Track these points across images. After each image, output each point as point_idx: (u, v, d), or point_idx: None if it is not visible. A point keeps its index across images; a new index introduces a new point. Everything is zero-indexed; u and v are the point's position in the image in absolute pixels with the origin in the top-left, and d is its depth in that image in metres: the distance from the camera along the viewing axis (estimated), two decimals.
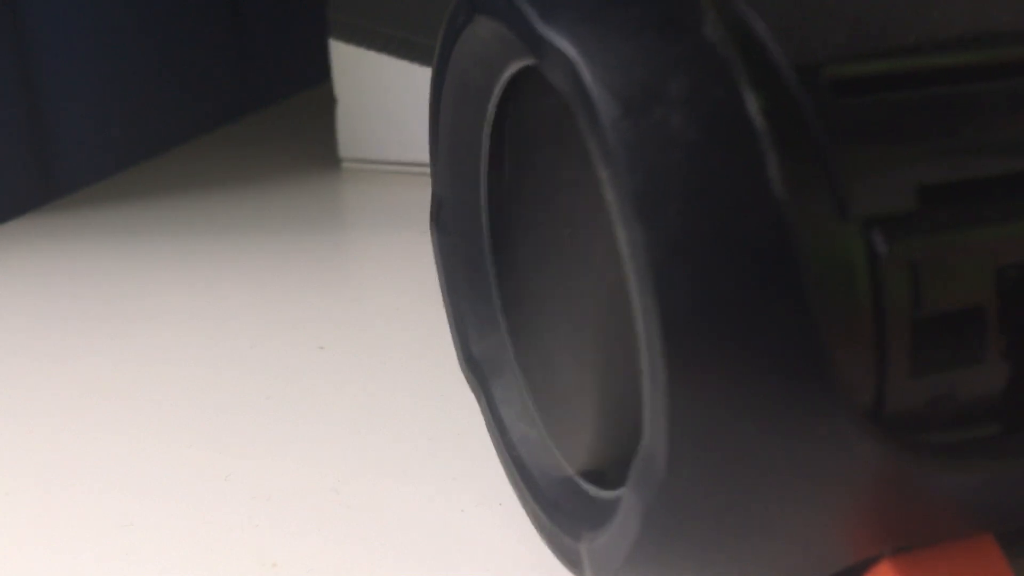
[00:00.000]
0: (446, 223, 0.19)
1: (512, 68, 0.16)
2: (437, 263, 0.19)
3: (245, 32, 0.48)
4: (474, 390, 0.19)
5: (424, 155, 0.37)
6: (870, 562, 0.14)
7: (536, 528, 0.17)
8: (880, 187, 0.12)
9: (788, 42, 0.12)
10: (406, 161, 0.39)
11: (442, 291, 0.19)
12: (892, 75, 0.13)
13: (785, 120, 0.12)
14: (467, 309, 0.19)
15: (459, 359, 0.19)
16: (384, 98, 0.38)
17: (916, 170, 0.12)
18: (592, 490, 0.16)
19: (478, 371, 0.19)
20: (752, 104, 0.12)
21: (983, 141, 0.12)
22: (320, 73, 0.42)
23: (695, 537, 0.13)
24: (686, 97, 0.12)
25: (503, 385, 0.18)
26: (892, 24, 0.13)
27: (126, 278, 0.31)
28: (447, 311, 0.19)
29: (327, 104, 0.40)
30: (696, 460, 0.12)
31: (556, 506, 0.16)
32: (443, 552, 0.18)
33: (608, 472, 0.16)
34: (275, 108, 0.49)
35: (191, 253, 0.33)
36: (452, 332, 0.19)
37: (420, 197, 0.35)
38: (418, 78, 0.37)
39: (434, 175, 0.19)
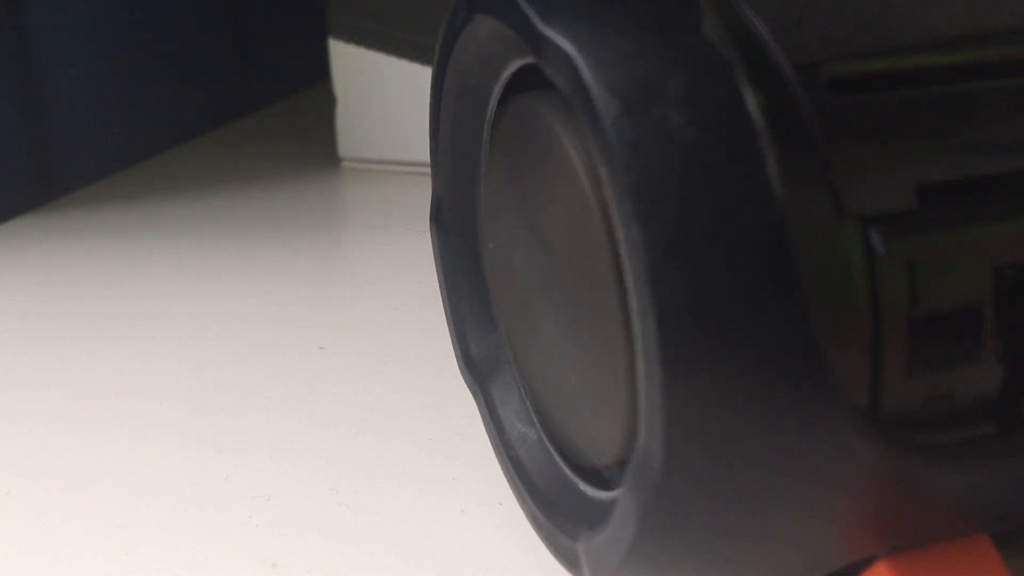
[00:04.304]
0: (446, 223, 0.19)
1: (512, 67, 0.16)
2: (437, 263, 0.19)
3: (245, 32, 0.48)
4: (473, 391, 0.19)
5: (424, 155, 0.37)
6: (866, 562, 0.14)
7: (534, 528, 0.17)
8: (878, 186, 0.12)
9: (787, 41, 0.12)
10: (406, 161, 0.39)
11: (441, 291, 0.19)
12: (890, 74, 0.13)
13: (784, 119, 0.12)
14: (466, 309, 0.19)
15: (458, 360, 0.19)
16: (384, 98, 0.38)
17: (914, 169, 0.12)
18: (590, 490, 0.16)
19: (477, 372, 0.19)
20: (751, 103, 0.12)
21: (981, 140, 0.13)
22: (320, 73, 0.42)
23: (691, 537, 0.13)
24: (685, 96, 0.12)
25: (501, 385, 0.18)
26: (890, 23, 0.13)
27: (126, 278, 0.31)
28: (446, 312, 0.19)
29: (327, 104, 0.40)
30: (692, 460, 0.12)
31: (554, 506, 0.16)
32: (443, 552, 0.18)
33: (606, 472, 0.16)
34: (275, 108, 0.49)
35: (191, 253, 0.33)
36: (451, 333, 0.19)
37: (420, 197, 0.35)
38: (418, 78, 0.37)
39: (434, 174, 0.19)
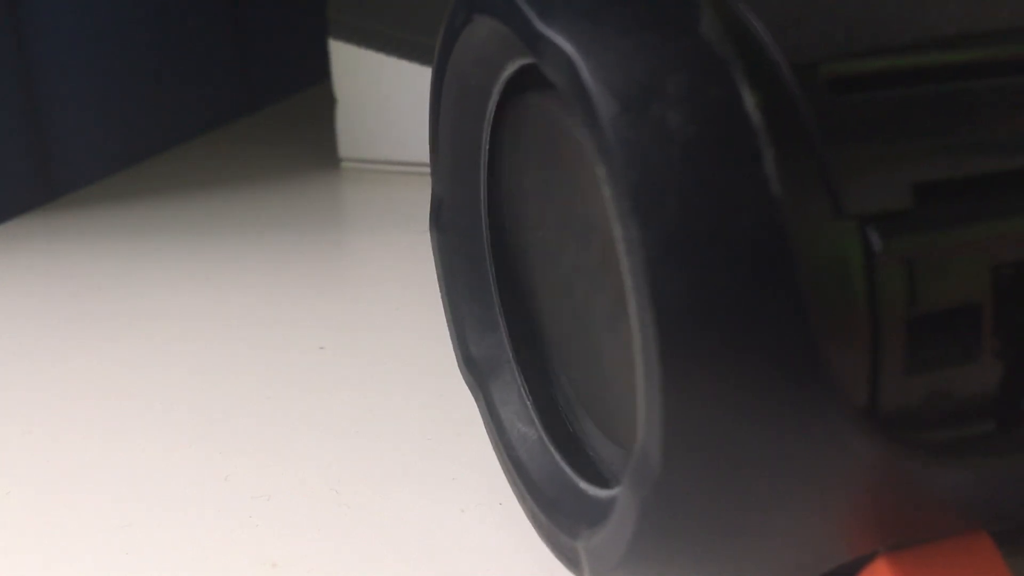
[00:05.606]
0: (446, 223, 0.19)
1: (511, 67, 0.16)
2: (436, 263, 0.19)
3: (245, 32, 0.48)
4: (472, 390, 0.19)
5: (424, 155, 0.37)
6: (866, 559, 0.14)
7: (534, 527, 0.17)
8: (876, 184, 0.12)
9: (785, 40, 0.12)
10: (406, 161, 0.39)
11: (441, 291, 0.19)
12: (888, 73, 0.13)
13: (782, 118, 0.12)
14: (466, 310, 0.19)
15: (458, 360, 0.19)
16: (384, 98, 0.38)
17: (912, 167, 0.12)
18: (590, 489, 0.16)
19: (477, 371, 0.19)
20: (749, 102, 0.12)
21: (979, 139, 0.13)
22: (320, 73, 0.42)
23: (690, 534, 0.13)
24: (684, 94, 0.12)
25: (501, 385, 0.18)
26: (888, 22, 0.13)
27: (126, 278, 0.31)
28: (446, 312, 0.19)
29: (327, 104, 0.40)
30: (691, 458, 0.12)
31: (554, 505, 0.16)
32: (443, 552, 0.18)
33: (605, 470, 0.16)
34: (275, 108, 0.49)
35: (191, 253, 0.33)
36: (451, 333, 0.19)
37: (420, 197, 0.35)
38: (418, 78, 0.37)
39: (434, 175, 0.19)
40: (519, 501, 0.17)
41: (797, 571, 0.13)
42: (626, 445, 0.16)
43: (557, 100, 0.15)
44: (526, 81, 0.16)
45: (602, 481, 0.16)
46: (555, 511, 0.16)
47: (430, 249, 0.19)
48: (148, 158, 0.42)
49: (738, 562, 0.13)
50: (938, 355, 0.12)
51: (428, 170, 0.19)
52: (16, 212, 0.37)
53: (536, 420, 0.18)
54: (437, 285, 0.19)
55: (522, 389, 0.18)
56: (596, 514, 0.15)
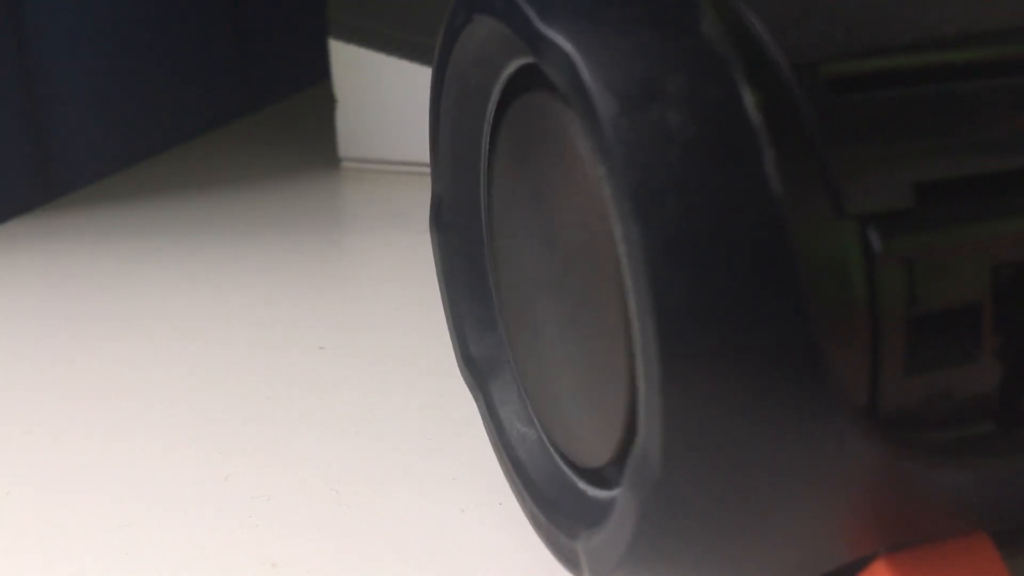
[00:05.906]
0: (446, 223, 0.19)
1: (511, 67, 0.16)
2: (436, 263, 0.19)
3: (245, 32, 0.48)
4: (472, 390, 0.19)
5: (424, 155, 0.37)
6: (865, 560, 0.14)
7: (534, 527, 0.17)
8: (876, 184, 0.12)
9: (785, 40, 0.12)
10: (406, 161, 0.39)
11: (441, 291, 0.19)
12: (889, 73, 0.13)
13: (782, 117, 0.12)
14: (466, 309, 0.19)
15: (457, 359, 0.19)
16: (384, 98, 0.38)
17: (912, 167, 0.12)
18: (589, 489, 0.16)
19: (476, 371, 0.19)
20: (749, 102, 0.12)
21: (979, 139, 0.13)
22: (320, 73, 0.42)
23: (690, 535, 0.13)
24: (684, 94, 0.12)
25: (501, 385, 0.18)
26: (889, 22, 0.13)
27: (126, 278, 0.31)
28: (446, 311, 0.19)
29: (327, 104, 0.40)
30: (691, 459, 0.12)
31: (554, 505, 0.16)
32: (443, 552, 0.18)
33: (605, 471, 0.16)
34: (275, 108, 0.49)
35: (191, 253, 0.33)
36: (451, 332, 0.19)
37: (420, 197, 0.35)
38: (418, 78, 0.37)
39: (434, 175, 0.19)
40: (519, 501, 0.17)
41: (797, 571, 0.13)
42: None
43: (546, 102, 0.15)
44: (526, 81, 0.16)
45: (602, 482, 0.16)
46: (555, 511, 0.16)
47: (430, 249, 0.19)
48: (148, 158, 0.42)
49: (738, 562, 0.13)
50: (938, 355, 0.12)
51: (428, 170, 0.19)
52: (16, 212, 0.37)
53: (536, 420, 0.18)
54: (437, 285, 0.19)
55: (522, 389, 0.18)
56: (596, 515, 0.15)
